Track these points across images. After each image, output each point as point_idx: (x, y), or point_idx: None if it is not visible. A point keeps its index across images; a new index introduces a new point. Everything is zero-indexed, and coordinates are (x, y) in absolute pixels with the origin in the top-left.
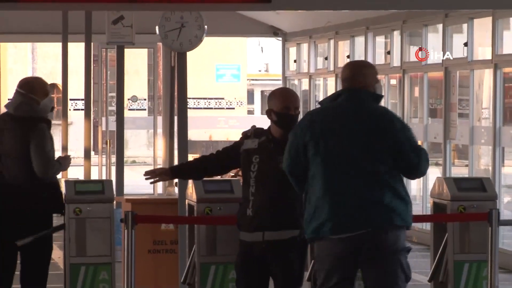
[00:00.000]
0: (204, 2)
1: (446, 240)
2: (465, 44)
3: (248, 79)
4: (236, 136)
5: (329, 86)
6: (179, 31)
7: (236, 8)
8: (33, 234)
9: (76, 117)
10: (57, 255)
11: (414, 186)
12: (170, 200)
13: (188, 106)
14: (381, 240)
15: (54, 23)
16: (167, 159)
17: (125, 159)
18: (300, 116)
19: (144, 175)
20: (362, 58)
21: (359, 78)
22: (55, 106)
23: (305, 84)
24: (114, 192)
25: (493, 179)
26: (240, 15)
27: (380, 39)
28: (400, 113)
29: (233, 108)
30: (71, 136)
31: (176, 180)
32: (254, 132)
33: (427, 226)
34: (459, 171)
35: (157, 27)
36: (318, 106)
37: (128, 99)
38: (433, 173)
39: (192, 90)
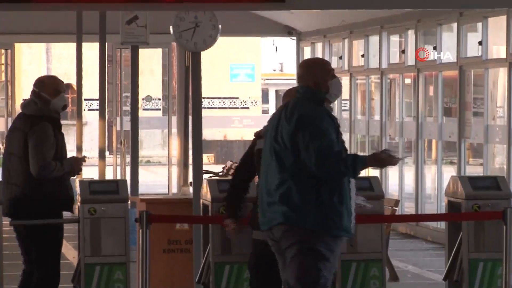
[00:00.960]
0: (218, 2)
1: (461, 239)
2: (480, 43)
3: (262, 79)
4: (250, 136)
5: (344, 85)
6: (193, 31)
7: (250, 7)
8: (40, 230)
9: (90, 117)
10: (71, 255)
11: (429, 185)
12: (185, 199)
13: (202, 105)
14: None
15: (68, 24)
16: (182, 158)
17: (139, 159)
18: None
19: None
20: (377, 57)
21: (309, 76)
22: (69, 105)
23: None
24: (129, 192)
25: (508, 178)
26: (255, 15)
27: (395, 38)
28: (414, 112)
29: (248, 108)
30: (85, 136)
31: (190, 180)
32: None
33: (441, 225)
34: (474, 169)
35: (171, 27)
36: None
37: (143, 99)
38: (448, 172)
39: (206, 89)
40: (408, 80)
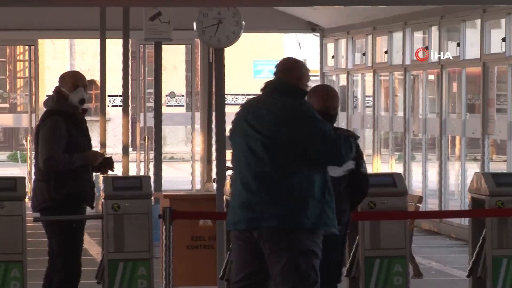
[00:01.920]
0: None
1: (485, 235)
2: (503, 39)
3: None
4: None
5: (367, 81)
6: (216, 27)
7: (273, 3)
8: (59, 225)
9: (114, 113)
10: (95, 251)
11: (452, 181)
12: (208, 196)
13: (226, 102)
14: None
15: (92, 20)
16: (205, 155)
17: (163, 155)
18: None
19: None
20: (400, 54)
21: (294, 72)
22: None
23: (343, 80)
24: (152, 188)
25: None
26: (278, 11)
27: (418, 35)
28: (438, 108)
29: None
30: (109, 133)
31: (214, 176)
32: None
33: (465, 221)
34: (497, 166)
35: (194, 23)
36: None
37: (166, 95)
38: (472, 168)
39: (229, 86)
40: (431, 77)
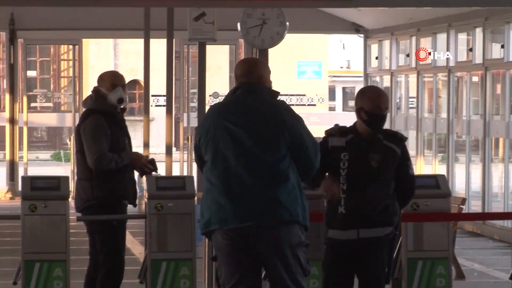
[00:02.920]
0: None
1: None
2: None
3: (329, 76)
4: (316, 133)
5: (411, 83)
6: (260, 27)
7: (317, 5)
8: (100, 225)
9: (157, 113)
10: (138, 250)
11: (495, 183)
12: None
13: None
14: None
15: (136, 20)
16: None
17: None
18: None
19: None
20: (445, 55)
21: (255, 73)
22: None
23: (386, 81)
24: (195, 188)
25: None
26: (322, 12)
27: (462, 36)
28: (482, 110)
29: (315, 105)
30: (152, 132)
31: None
32: (339, 131)
33: (508, 223)
34: None
35: (238, 24)
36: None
37: (210, 95)
38: None
39: (273, 86)
40: (475, 78)
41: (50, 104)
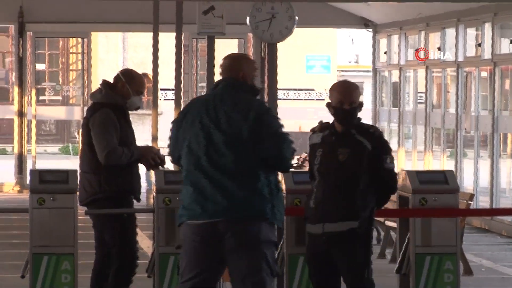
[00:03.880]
0: None
1: None
2: None
3: (338, 70)
4: None
5: (419, 78)
6: (269, 21)
7: None
8: (107, 219)
9: (166, 107)
10: (146, 244)
11: (504, 179)
12: None
13: (278, 97)
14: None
15: (145, 13)
16: None
17: None
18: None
19: None
20: (453, 50)
21: (237, 69)
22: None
23: (395, 76)
24: None
25: None
26: (331, 6)
27: (471, 31)
28: (490, 105)
29: (323, 99)
30: (161, 126)
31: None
32: (320, 127)
33: None
34: None
35: (247, 18)
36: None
37: None
38: None
39: (282, 81)
40: (484, 74)
41: (59, 97)
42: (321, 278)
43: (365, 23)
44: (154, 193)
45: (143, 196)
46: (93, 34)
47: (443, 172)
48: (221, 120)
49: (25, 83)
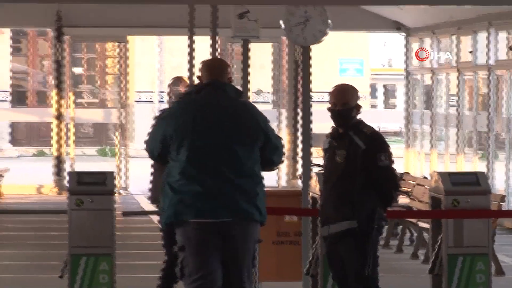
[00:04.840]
0: None
1: None
2: None
3: (371, 73)
4: None
5: (451, 81)
6: (303, 25)
7: (360, 3)
8: None
9: None
10: None
11: None
12: (294, 192)
13: (312, 100)
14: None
15: (180, 17)
16: (291, 152)
17: None
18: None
19: None
20: (485, 54)
21: (226, 72)
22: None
23: (427, 79)
24: None
25: None
26: (364, 10)
27: (502, 35)
28: None
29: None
30: None
31: (299, 173)
32: (330, 133)
33: None
34: None
35: (282, 22)
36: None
37: (253, 93)
38: None
39: (316, 84)
40: None
41: (97, 100)
42: (340, 277)
43: (397, 27)
44: None
45: None
46: (130, 38)
47: (475, 174)
48: (225, 122)
49: (63, 86)
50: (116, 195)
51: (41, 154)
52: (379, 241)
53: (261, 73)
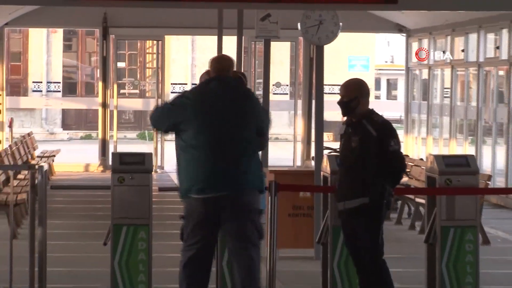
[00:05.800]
0: (340, 3)
1: None
2: None
3: (375, 69)
4: None
5: (446, 76)
6: (317, 27)
7: (367, 8)
8: None
9: None
10: None
11: None
12: (308, 171)
13: (324, 91)
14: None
15: (211, 19)
16: (305, 136)
17: (269, 136)
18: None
19: None
20: (475, 52)
21: (230, 68)
22: None
23: (425, 74)
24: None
25: None
26: (370, 14)
27: (491, 36)
28: (507, 100)
29: None
30: None
31: (312, 155)
32: (346, 120)
33: None
34: None
35: (298, 24)
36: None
37: (273, 85)
38: None
39: (327, 77)
40: (501, 72)
41: (137, 91)
42: (352, 247)
43: (399, 28)
44: None
45: None
46: (166, 37)
47: (465, 157)
48: (227, 108)
49: (108, 79)
50: (153, 173)
51: (88, 137)
52: (386, 214)
53: (280, 68)
